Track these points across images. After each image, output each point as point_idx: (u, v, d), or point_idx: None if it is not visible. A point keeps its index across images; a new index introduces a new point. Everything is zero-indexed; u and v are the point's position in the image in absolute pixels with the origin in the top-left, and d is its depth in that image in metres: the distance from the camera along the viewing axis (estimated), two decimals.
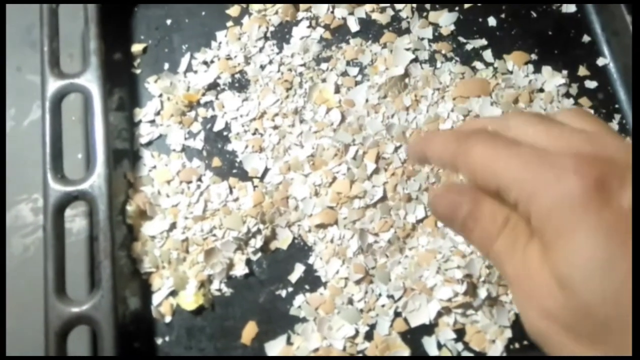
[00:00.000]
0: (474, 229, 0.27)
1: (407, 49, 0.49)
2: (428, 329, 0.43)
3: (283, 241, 0.45)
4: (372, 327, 0.43)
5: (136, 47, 0.50)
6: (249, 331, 0.42)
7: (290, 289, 0.44)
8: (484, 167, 0.26)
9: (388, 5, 0.51)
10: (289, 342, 0.42)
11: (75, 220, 0.45)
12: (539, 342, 0.25)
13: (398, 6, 0.51)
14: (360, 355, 0.42)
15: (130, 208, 0.44)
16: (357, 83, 0.49)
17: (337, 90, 0.49)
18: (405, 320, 0.43)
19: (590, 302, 0.22)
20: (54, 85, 0.43)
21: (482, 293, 0.43)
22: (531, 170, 0.25)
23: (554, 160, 0.24)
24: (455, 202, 0.27)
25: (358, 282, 0.43)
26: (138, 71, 0.49)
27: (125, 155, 0.47)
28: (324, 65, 0.49)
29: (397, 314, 0.43)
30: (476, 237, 0.27)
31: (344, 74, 0.49)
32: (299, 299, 0.43)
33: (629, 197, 0.23)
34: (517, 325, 0.42)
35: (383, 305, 0.43)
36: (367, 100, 0.48)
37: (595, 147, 0.25)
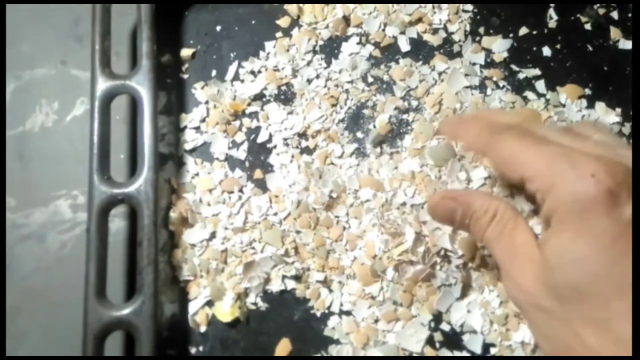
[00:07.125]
0: (469, 224, 0.33)
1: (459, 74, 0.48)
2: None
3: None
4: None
5: (185, 52, 0.49)
6: (283, 348, 0.42)
7: (325, 310, 0.43)
8: (512, 158, 0.30)
9: (441, 27, 0.50)
10: None
11: (114, 221, 0.45)
12: (518, 307, 0.31)
13: (451, 28, 0.50)
14: None
15: (173, 215, 0.43)
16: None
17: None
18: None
19: (558, 284, 0.28)
20: (104, 85, 0.43)
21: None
22: (555, 166, 0.29)
23: (576, 160, 0.28)
24: (450, 208, 0.33)
25: (389, 322, 0.42)
26: (185, 76, 0.49)
27: (168, 160, 0.46)
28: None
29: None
30: (472, 230, 0.33)
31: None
32: (333, 320, 0.43)
33: (630, 209, 0.27)
34: None
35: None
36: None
37: (613, 157, 0.29)
